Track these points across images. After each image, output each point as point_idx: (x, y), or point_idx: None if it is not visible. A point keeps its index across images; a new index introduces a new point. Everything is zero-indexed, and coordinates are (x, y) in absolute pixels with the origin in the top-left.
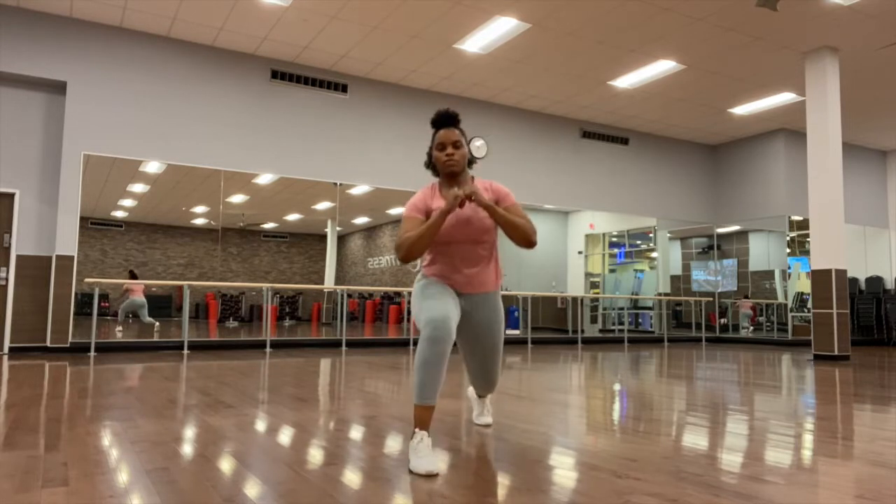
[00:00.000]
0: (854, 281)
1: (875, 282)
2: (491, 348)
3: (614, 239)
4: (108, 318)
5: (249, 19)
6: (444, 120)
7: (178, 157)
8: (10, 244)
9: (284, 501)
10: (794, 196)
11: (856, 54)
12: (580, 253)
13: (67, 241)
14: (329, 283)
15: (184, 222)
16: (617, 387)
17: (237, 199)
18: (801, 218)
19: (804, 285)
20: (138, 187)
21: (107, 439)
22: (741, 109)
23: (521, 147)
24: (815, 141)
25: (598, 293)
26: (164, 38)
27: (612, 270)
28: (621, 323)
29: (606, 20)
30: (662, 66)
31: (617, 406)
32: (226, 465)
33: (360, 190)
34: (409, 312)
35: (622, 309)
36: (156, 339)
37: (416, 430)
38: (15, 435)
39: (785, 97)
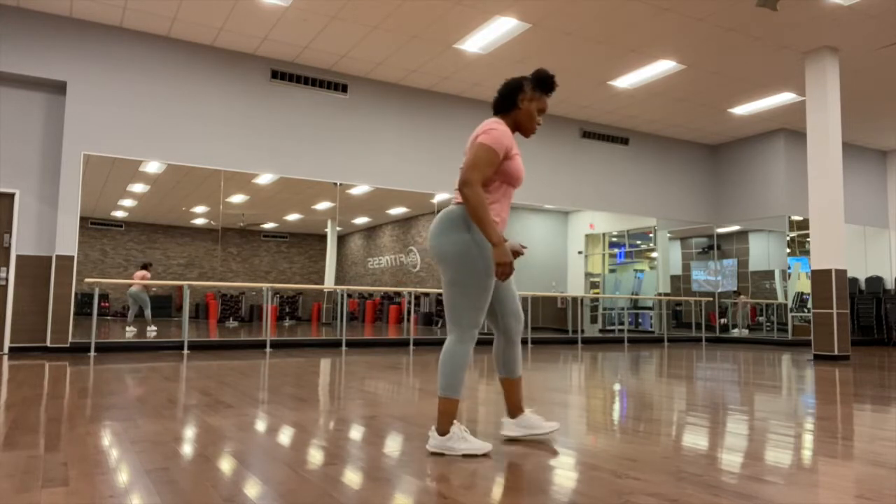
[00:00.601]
0: (854, 281)
1: (875, 282)
2: (513, 279)
3: (614, 239)
4: (108, 318)
5: (249, 19)
6: (554, 86)
7: (178, 157)
8: (10, 244)
9: (284, 501)
10: (794, 196)
11: (856, 54)
12: (580, 253)
13: (67, 241)
14: (329, 283)
15: (184, 222)
16: (617, 387)
17: (237, 199)
18: (801, 218)
19: (804, 285)
20: (138, 187)
21: (107, 439)
22: (741, 109)
23: (521, 147)
24: (815, 141)
25: (598, 293)
26: (164, 38)
27: (612, 270)
28: (621, 323)
29: (606, 20)
30: (662, 66)
31: (617, 406)
32: (226, 465)
33: (360, 190)
34: (408, 312)
35: (622, 309)
36: (156, 339)
37: (456, 421)
38: (15, 435)
39: (785, 97)
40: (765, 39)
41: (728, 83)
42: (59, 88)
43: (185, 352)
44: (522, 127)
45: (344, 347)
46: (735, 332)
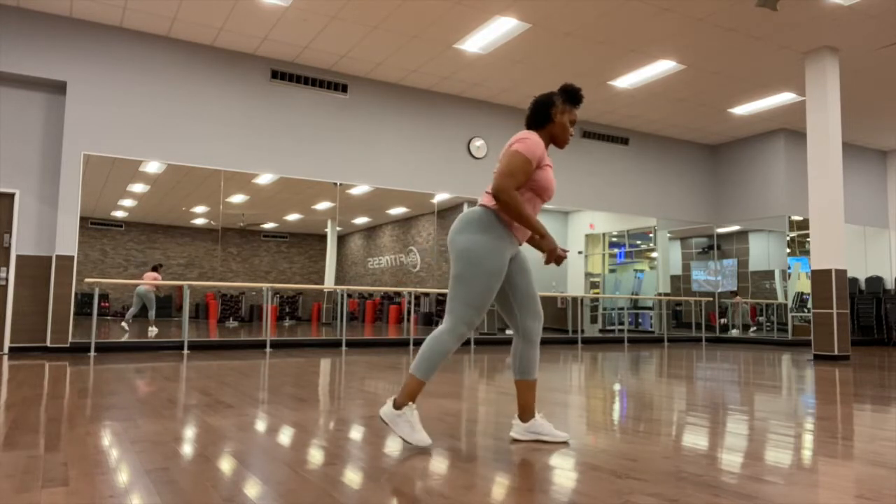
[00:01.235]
0: (854, 281)
1: (875, 282)
2: (532, 279)
3: (614, 239)
4: (108, 318)
5: (249, 19)
6: (581, 99)
7: (178, 157)
8: (10, 244)
9: (284, 501)
10: (794, 196)
11: (856, 54)
12: (580, 253)
13: (67, 241)
14: (329, 283)
15: (184, 222)
16: (617, 387)
17: (237, 199)
18: (801, 218)
19: (804, 285)
20: (138, 187)
21: (107, 439)
22: (741, 109)
23: None
24: (815, 141)
25: (598, 293)
26: (164, 38)
27: (612, 270)
28: (621, 323)
29: (606, 20)
30: (662, 66)
31: (617, 406)
32: (226, 465)
33: (360, 190)
34: (408, 312)
35: (622, 309)
36: (156, 339)
37: (412, 403)
38: (15, 435)
39: (785, 97)
40: (765, 39)
41: (728, 83)
42: (59, 88)
43: (185, 352)
44: (558, 139)
45: (344, 347)
46: (733, 333)
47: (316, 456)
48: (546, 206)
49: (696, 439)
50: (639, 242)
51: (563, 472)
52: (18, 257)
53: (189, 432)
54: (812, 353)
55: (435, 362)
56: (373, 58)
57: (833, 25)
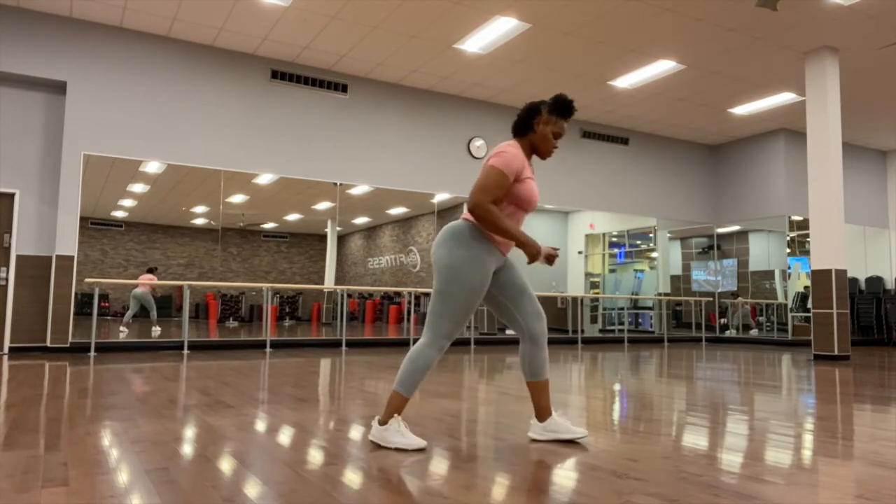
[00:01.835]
0: (854, 281)
1: (875, 282)
2: (527, 282)
3: (614, 239)
4: (108, 318)
5: (249, 19)
6: (572, 112)
7: (178, 157)
8: (10, 244)
9: (284, 501)
10: (794, 196)
11: (856, 54)
12: (580, 253)
13: (67, 241)
14: (329, 283)
15: (184, 222)
16: (617, 387)
17: (237, 199)
18: (801, 218)
19: (804, 285)
20: (138, 187)
21: (107, 439)
22: (741, 109)
23: None
24: (815, 141)
25: (598, 293)
26: (164, 38)
27: (612, 270)
28: (621, 323)
29: (606, 20)
30: (662, 66)
31: (617, 406)
32: (226, 465)
33: (360, 190)
34: (408, 312)
35: (622, 309)
36: (156, 339)
37: (398, 415)
38: (15, 435)
39: (785, 97)
40: (765, 39)
41: (728, 83)
42: (59, 88)
43: (185, 352)
44: (538, 149)
45: (344, 347)
46: (729, 333)
47: (316, 456)
48: (546, 206)
49: (696, 439)
50: (639, 242)
51: (563, 472)
52: (18, 257)
53: (189, 432)
54: (812, 353)
55: (418, 378)
56: (373, 58)
57: (833, 25)
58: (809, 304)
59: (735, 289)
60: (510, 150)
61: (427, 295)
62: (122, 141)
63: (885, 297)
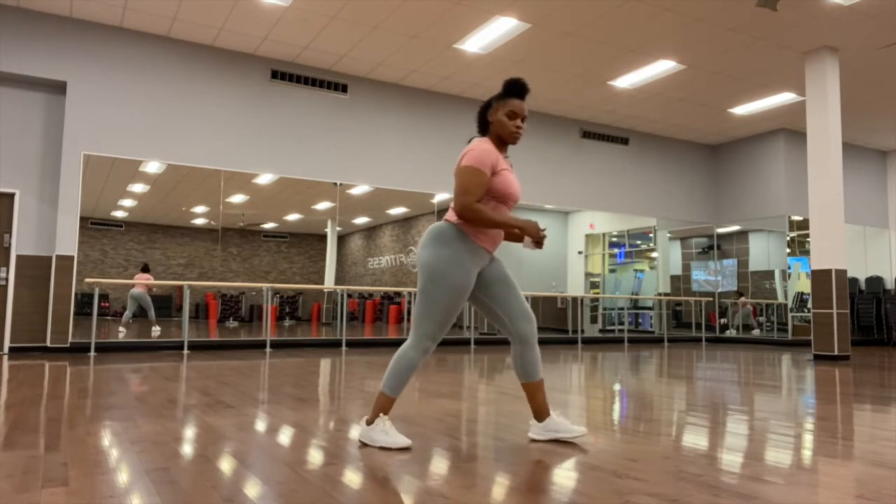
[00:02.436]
0: (854, 281)
1: (875, 282)
2: (515, 282)
3: (614, 239)
4: (108, 318)
5: (249, 19)
6: (523, 90)
7: (178, 157)
8: (10, 244)
9: (284, 501)
10: (794, 196)
11: (856, 54)
12: (580, 253)
13: (67, 241)
14: (329, 283)
15: (184, 222)
16: (617, 387)
17: (237, 199)
18: (801, 218)
19: (804, 285)
20: (138, 187)
21: (107, 439)
22: (741, 109)
23: (521, 147)
24: (815, 141)
25: (598, 293)
26: (164, 38)
27: (612, 270)
28: (621, 323)
29: (606, 20)
30: (662, 66)
31: (617, 406)
32: (226, 465)
33: (360, 190)
34: (408, 312)
35: (622, 309)
36: (156, 339)
37: (384, 415)
38: (15, 435)
39: (785, 97)
40: (765, 39)
41: (728, 83)
42: (59, 88)
43: (185, 352)
44: (502, 136)
45: (344, 347)
46: (729, 333)
47: (316, 456)
48: (546, 206)
49: (696, 439)
50: (639, 242)
51: (563, 471)
52: (18, 257)
53: (189, 432)
54: (812, 353)
55: (403, 378)
56: (373, 58)
57: (833, 25)
58: (809, 305)
59: (736, 289)
60: (479, 146)
61: None
62: (122, 141)
63: (885, 297)
